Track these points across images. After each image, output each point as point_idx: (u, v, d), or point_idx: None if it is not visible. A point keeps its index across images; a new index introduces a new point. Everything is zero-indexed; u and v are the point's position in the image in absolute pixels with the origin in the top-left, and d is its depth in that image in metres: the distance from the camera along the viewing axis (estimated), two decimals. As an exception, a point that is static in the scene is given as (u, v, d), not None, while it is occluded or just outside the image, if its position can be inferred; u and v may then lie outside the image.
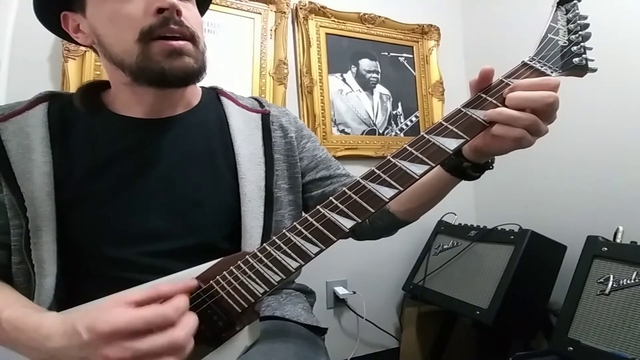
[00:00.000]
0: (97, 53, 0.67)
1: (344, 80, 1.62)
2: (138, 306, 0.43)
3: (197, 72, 0.63)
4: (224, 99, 0.75)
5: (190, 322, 0.44)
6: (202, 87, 0.77)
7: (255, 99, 0.80)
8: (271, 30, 1.49)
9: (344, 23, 1.63)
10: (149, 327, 0.41)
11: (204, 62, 0.64)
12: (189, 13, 0.63)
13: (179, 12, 0.59)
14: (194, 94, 0.73)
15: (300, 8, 1.54)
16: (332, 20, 1.60)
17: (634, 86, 1.21)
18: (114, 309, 0.42)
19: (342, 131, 1.58)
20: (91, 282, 0.62)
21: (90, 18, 0.62)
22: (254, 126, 0.73)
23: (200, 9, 0.71)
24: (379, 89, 1.68)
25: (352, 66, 1.64)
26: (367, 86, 1.66)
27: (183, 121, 0.69)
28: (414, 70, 1.77)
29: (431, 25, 1.78)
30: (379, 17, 1.68)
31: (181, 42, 0.59)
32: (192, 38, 0.61)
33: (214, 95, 0.76)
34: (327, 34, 1.59)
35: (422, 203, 0.69)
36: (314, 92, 1.52)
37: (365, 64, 1.67)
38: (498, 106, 0.51)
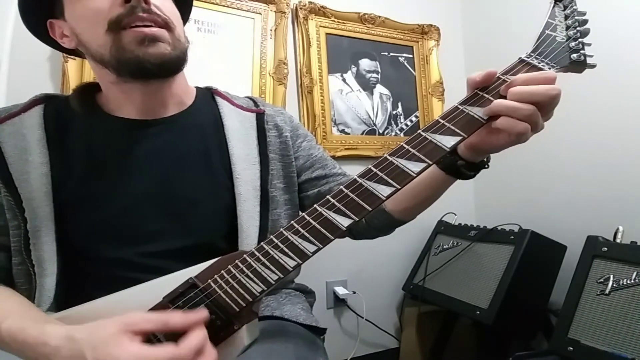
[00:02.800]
0: (83, 56, 0.67)
1: (344, 80, 1.62)
2: (146, 336, 0.42)
3: (176, 60, 0.62)
4: (218, 99, 0.75)
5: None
6: (196, 87, 0.77)
7: (251, 99, 0.80)
8: (271, 30, 1.49)
9: (344, 23, 1.63)
10: None
11: (182, 50, 0.63)
12: (161, 2, 0.61)
13: (147, 1, 0.58)
14: (186, 93, 0.73)
15: (300, 8, 1.54)
16: (332, 20, 1.60)
17: (634, 85, 1.21)
18: (123, 342, 0.41)
19: (342, 131, 1.58)
20: (91, 282, 0.62)
21: (69, 20, 0.62)
22: (249, 126, 0.73)
23: (183, 11, 0.69)
24: (379, 89, 1.68)
25: (352, 66, 1.64)
26: (367, 86, 1.66)
27: (178, 122, 0.69)
28: (414, 70, 1.77)
29: (431, 25, 1.78)
30: (379, 17, 1.68)
31: (153, 29, 0.59)
32: (165, 25, 0.60)
33: (208, 95, 0.76)
34: (327, 34, 1.59)
35: (418, 202, 0.68)
36: (314, 92, 1.52)
37: (365, 64, 1.67)
38: None
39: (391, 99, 1.70)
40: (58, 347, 0.44)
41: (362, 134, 1.61)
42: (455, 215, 1.56)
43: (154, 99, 0.67)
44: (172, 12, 0.63)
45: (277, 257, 0.50)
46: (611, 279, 0.94)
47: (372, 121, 1.65)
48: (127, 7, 0.57)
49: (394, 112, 1.70)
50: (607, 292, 0.93)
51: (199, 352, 0.42)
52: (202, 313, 0.46)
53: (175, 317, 0.44)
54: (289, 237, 0.50)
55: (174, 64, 0.62)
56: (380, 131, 1.66)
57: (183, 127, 0.69)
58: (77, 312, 0.54)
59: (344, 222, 0.49)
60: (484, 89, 0.53)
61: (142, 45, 0.58)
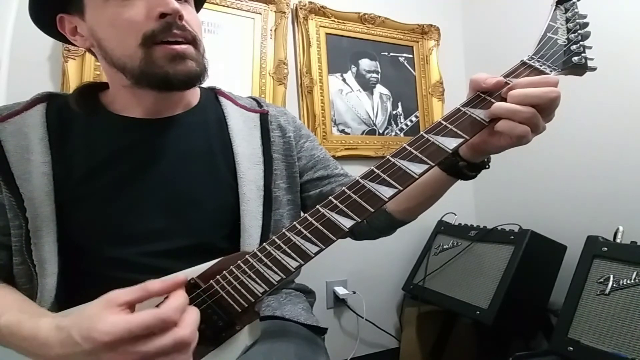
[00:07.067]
0: (95, 55, 0.66)
1: (344, 80, 1.62)
2: (129, 307, 0.42)
3: (200, 75, 0.63)
4: (222, 99, 0.75)
5: (192, 318, 0.43)
6: (200, 87, 0.77)
7: (254, 99, 0.80)
8: (271, 30, 1.49)
9: (344, 23, 1.63)
10: (150, 332, 0.40)
11: (205, 65, 0.64)
12: (190, 16, 0.63)
13: (181, 17, 0.59)
14: (193, 94, 0.73)
15: (300, 8, 1.54)
16: (332, 20, 1.61)
17: (634, 86, 1.21)
18: (107, 316, 0.40)
19: (342, 131, 1.58)
20: (92, 282, 0.62)
21: (89, 21, 0.61)
22: (253, 126, 0.73)
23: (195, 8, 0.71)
24: (379, 89, 1.68)
25: (352, 66, 1.64)
26: (367, 86, 1.66)
27: (182, 121, 0.69)
28: (414, 70, 1.77)
29: (431, 25, 1.78)
30: (379, 17, 1.68)
31: (184, 46, 0.60)
32: (193, 41, 0.61)
33: (212, 95, 0.76)
34: (327, 34, 1.59)
35: (419, 203, 0.69)
36: (314, 92, 1.52)
37: (365, 64, 1.67)
38: None
39: (391, 99, 1.70)
40: (47, 338, 0.44)
41: (362, 134, 1.62)
42: (455, 215, 1.56)
43: (165, 103, 0.67)
44: (198, 27, 0.64)
45: (279, 258, 0.50)
46: (611, 279, 0.94)
47: (372, 121, 1.65)
48: (162, 22, 0.58)
49: (394, 112, 1.70)
50: (607, 292, 0.93)
51: (182, 310, 0.43)
52: (180, 277, 0.47)
53: (154, 283, 0.45)
54: (291, 237, 0.50)
55: (197, 80, 0.63)
56: (380, 131, 1.66)
57: (187, 125, 0.69)
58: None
59: (346, 223, 0.49)
60: (486, 90, 0.53)
61: (172, 62, 0.59)
